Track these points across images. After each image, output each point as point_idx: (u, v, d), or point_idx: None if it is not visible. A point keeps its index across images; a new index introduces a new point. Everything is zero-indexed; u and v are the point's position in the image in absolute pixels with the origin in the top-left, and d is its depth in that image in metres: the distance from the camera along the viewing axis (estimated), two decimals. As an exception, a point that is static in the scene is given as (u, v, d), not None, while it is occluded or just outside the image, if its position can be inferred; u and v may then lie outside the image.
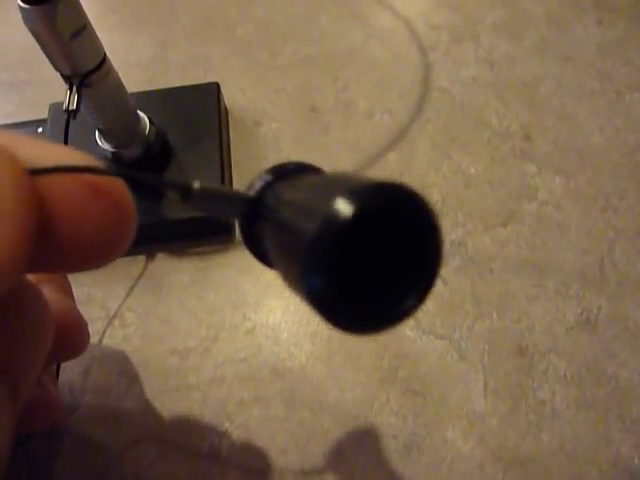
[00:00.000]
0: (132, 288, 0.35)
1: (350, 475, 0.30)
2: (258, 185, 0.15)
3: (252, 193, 0.15)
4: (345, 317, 0.13)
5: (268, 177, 0.15)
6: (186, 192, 0.13)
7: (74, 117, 0.27)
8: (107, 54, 0.30)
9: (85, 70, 0.28)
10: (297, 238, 0.12)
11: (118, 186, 0.12)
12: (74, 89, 0.27)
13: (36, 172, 0.11)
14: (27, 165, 0.10)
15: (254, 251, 0.16)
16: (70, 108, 0.27)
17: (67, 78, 0.28)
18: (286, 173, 0.15)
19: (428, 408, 0.31)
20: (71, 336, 0.19)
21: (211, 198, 0.14)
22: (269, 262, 0.16)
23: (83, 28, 0.27)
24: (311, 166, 0.16)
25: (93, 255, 0.12)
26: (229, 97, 0.42)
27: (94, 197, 0.12)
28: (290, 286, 0.14)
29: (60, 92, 0.29)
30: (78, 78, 0.28)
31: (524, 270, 0.35)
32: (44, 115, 0.38)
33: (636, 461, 0.30)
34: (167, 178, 0.13)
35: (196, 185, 0.13)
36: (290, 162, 0.16)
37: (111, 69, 0.30)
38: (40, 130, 0.39)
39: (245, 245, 0.16)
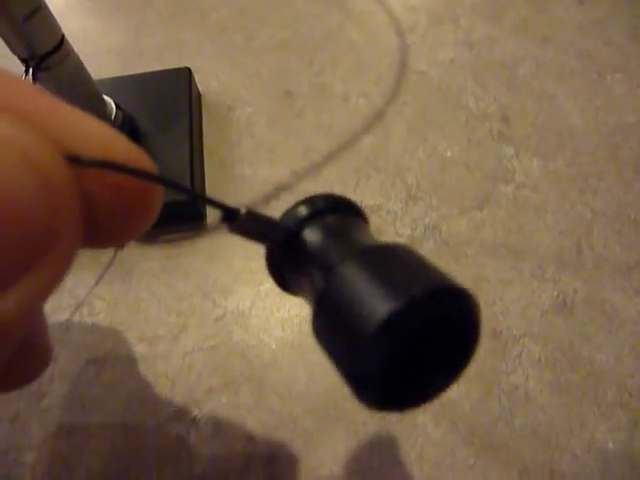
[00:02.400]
0: (101, 276, 0.34)
1: (319, 461, 0.29)
2: (296, 216, 0.15)
3: (290, 224, 0.15)
4: (380, 398, 0.13)
5: (306, 210, 0.15)
6: (232, 215, 0.13)
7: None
8: (82, 41, 0.30)
9: (42, 52, 0.27)
10: (351, 318, 0.12)
11: (151, 187, 0.12)
12: (30, 72, 0.27)
13: (76, 161, 0.10)
14: (68, 151, 0.10)
15: (276, 274, 0.16)
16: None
17: (24, 61, 0.28)
18: (326, 210, 0.15)
19: (399, 394, 0.31)
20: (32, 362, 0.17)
21: (253, 224, 0.14)
22: (290, 289, 0.17)
23: (37, 9, 0.26)
24: (350, 205, 0.16)
25: (109, 238, 0.12)
26: (203, 82, 0.41)
27: (127, 196, 0.11)
28: (326, 345, 0.14)
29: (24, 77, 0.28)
30: (35, 60, 0.27)
31: (499, 253, 0.34)
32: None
33: (610, 445, 0.29)
34: (217, 198, 0.13)
35: (243, 210, 0.13)
36: (329, 195, 0.16)
37: (70, 52, 0.29)
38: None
39: (268, 268, 0.16)
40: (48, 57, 0.28)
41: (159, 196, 0.12)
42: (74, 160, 0.10)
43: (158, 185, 0.12)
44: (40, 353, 0.15)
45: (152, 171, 0.12)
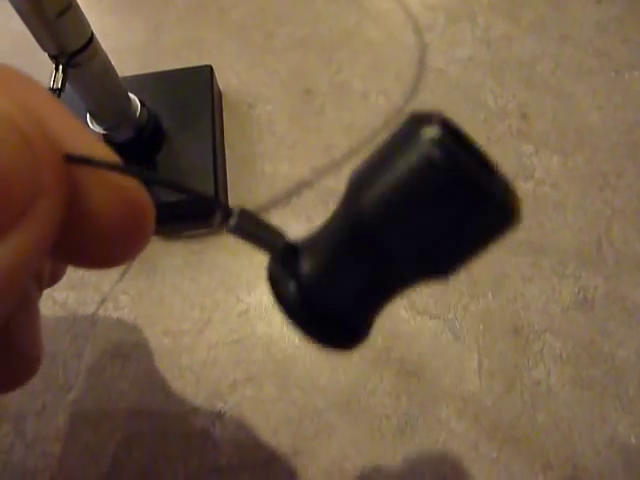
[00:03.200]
0: (125, 271, 0.35)
1: (343, 455, 0.29)
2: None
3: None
4: None
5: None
6: (226, 215, 0.13)
7: (59, 96, 0.27)
8: (101, 38, 0.30)
9: (71, 50, 0.28)
10: None
11: (141, 193, 0.12)
12: (60, 68, 0.27)
13: (72, 160, 0.11)
14: (63, 149, 0.10)
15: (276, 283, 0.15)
16: (55, 87, 0.26)
17: (54, 58, 0.28)
18: None
19: (422, 388, 0.31)
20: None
21: (247, 227, 0.14)
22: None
23: (68, 7, 0.27)
24: None
25: (104, 254, 0.12)
26: (223, 80, 0.41)
27: (118, 199, 0.12)
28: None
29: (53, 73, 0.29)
30: (64, 58, 0.28)
31: (520, 250, 0.34)
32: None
33: (632, 440, 0.29)
34: (212, 196, 0.14)
35: (236, 211, 0.13)
36: None
37: (99, 50, 0.30)
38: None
39: (268, 278, 0.15)
40: (77, 54, 0.28)
41: (151, 212, 0.13)
42: (68, 159, 0.10)
43: (150, 202, 0.13)
44: (25, 361, 0.15)
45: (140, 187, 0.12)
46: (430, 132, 0.11)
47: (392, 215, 0.12)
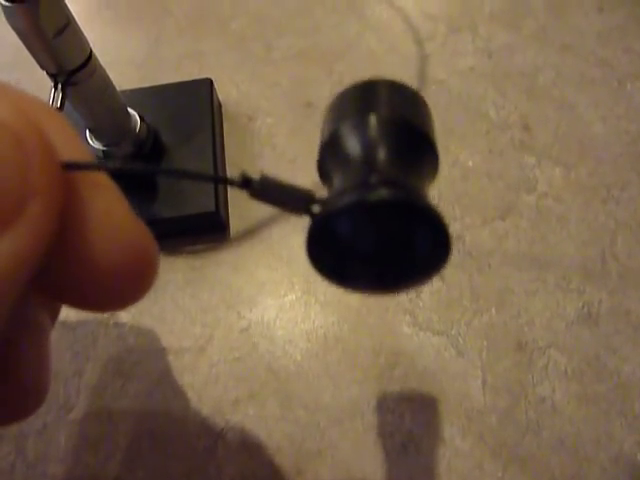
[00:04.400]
0: (126, 287, 0.35)
1: (346, 474, 0.29)
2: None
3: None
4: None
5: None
6: (247, 182, 0.13)
7: (59, 116, 0.26)
8: (101, 51, 0.30)
9: (70, 68, 0.27)
10: None
11: (146, 239, 0.12)
12: (59, 87, 0.27)
13: (70, 167, 0.11)
14: (60, 154, 0.10)
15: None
16: (54, 106, 0.26)
17: (53, 76, 0.28)
18: None
19: (426, 405, 0.31)
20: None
21: (270, 190, 0.13)
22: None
23: (66, 25, 0.26)
24: None
25: (100, 298, 0.12)
26: (223, 92, 0.41)
27: (120, 243, 0.11)
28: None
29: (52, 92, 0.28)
30: (63, 76, 0.28)
31: (523, 264, 0.34)
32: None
33: (639, 457, 0.29)
34: (222, 174, 0.13)
35: (257, 177, 0.13)
36: None
37: (98, 67, 0.29)
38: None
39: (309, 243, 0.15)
40: (76, 72, 0.28)
41: (156, 261, 0.13)
42: (69, 166, 0.10)
43: (155, 248, 0.12)
44: (26, 395, 0.14)
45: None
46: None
47: None
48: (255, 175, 0.13)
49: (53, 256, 0.11)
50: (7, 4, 0.25)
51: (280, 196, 0.13)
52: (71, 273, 0.11)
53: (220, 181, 0.12)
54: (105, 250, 0.11)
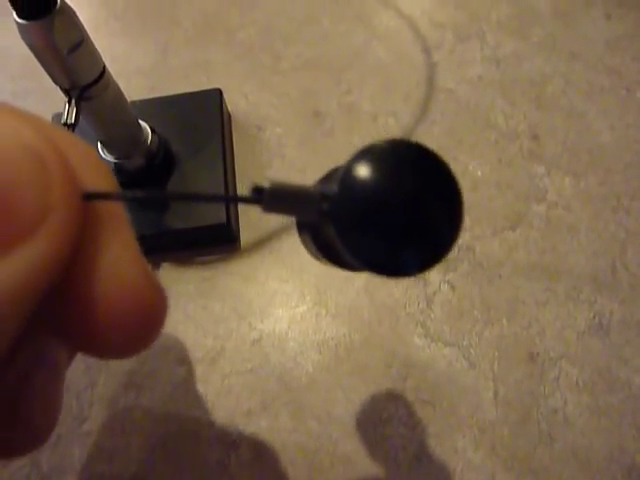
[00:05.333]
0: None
1: (359, 486, 0.29)
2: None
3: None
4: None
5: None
6: (258, 194, 0.12)
7: (73, 130, 0.27)
8: (109, 61, 0.30)
9: (84, 83, 0.28)
10: None
11: (156, 294, 0.12)
12: (73, 102, 0.27)
13: (89, 197, 0.11)
14: (82, 185, 0.11)
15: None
16: (69, 122, 0.26)
17: (66, 91, 0.28)
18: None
19: (438, 417, 0.31)
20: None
21: (282, 199, 0.12)
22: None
23: (81, 42, 0.27)
24: None
25: (103, 346, 0.12)
26: (232, 102, 0.41)
27: (129, 297, 0.11)
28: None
29: (62, 101, 0.28)
30: (77, 91, 0.28)
31: (534, 274, 0.34)
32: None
33: (651, 469, 0.29)
34: (232, 195, 0.13)
35: (267, 184, 0.12)
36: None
37: (110, 81, 0.30)
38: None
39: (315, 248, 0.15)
40: (90, 87, 0.28)
41: (163, 317, 0.12)
42: (88, 196, 0.11)
43: (164, 301, 0.12)
44: (31, 430, 0.14)
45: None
46: None
47: None
48: (265, 183, 0.12)
49: (58, 292, 0.11)
50: (22, 21, 0.25)
51: (292, 205, 0.13)
52: (72, 316, 0.11)
53: (233, 200, 0.12)
54: (112, 300, 0.11)
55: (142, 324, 0.12)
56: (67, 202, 0.10)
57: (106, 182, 0.12)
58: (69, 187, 0.10)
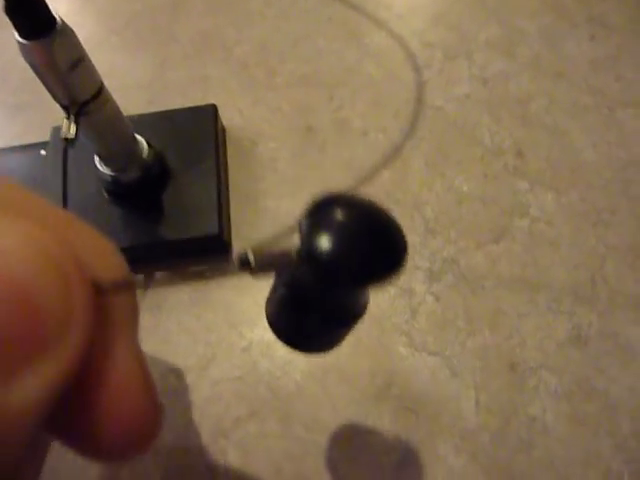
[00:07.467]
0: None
1: (344, 491, 0.30)
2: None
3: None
4: None
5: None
6: (245, 263, 0.14)
7: (72, 145, 0.28)
8: (109, 75, 0.31)
9: (82, 100, 0.29)
10: None
11: (152, 413, 0.13)
12: (72, 118, 0.28)
13: (103, 290, 0.11)
14: (94, 279, 0.11)
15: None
16: (68, 137, 0.28)
17: (65, 107, 0.29)
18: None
19: (421, 425, 0.32)
20: None
21: (264, 263, 0.14)
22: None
23: (80, 60, 0.28)
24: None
25: (97, 450, 0.12)
26: (226, 117, 0.42)
27: (123, 415, 0.12)
28: None
29: (62, 114, 0.29)
30: (76, 107, 0.29)
31: (516, 287, 0.35)
32: (48, 137, 0.40)
33: (626, 477, 0.30)
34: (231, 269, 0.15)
35: (248, 252, 0.14)
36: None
37: (108, 97, 0.31)
38: (43, 152, 0.40)
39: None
40: (88, 103, 0.29)
41: (157, 431, 0.13)
42: (99, 290, 0.11)
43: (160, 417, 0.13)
44: None
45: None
46: None
47: None
48: (247, 251, 0.14)
49: (61, 398, 0.11)
50: (23, 41, 0.26)
51: (275, 265, 0.15)
52: (74, 425, 0.12)
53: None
54: (113, 412, 0.12)
55: (142, 438, 0.12)
56: (86, 313, 0.10)
57: (121, 274, 0.12)
58: (87, 295, 0.10)
